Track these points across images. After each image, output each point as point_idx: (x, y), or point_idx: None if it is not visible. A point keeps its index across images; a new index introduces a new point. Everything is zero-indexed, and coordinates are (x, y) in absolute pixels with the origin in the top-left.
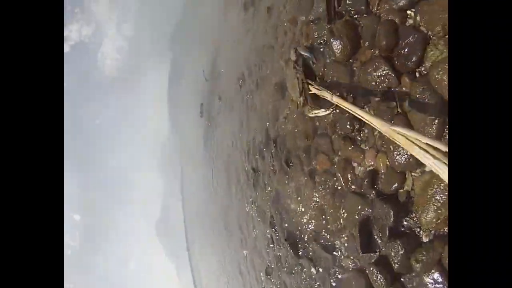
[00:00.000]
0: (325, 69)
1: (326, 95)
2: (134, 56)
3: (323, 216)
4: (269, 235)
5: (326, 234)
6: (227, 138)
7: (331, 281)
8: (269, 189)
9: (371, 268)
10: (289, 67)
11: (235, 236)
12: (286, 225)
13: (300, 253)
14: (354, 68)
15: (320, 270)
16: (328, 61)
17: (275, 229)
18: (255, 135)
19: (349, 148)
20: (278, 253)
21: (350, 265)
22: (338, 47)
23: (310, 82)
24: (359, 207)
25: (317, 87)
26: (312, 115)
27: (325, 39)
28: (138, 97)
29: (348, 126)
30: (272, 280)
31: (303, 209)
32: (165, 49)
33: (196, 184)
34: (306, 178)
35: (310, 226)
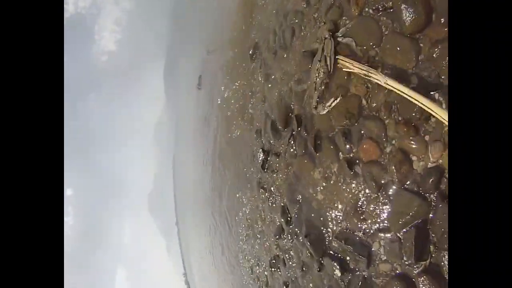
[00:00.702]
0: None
1: (376, 76)
2: (133, 32)
3: (360, 213)
4: (279, 225)
5: (361, 234)
6: (233, 113)
7: (360, 285)
8: (284, 174)
9: (423, 277)
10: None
11: (227, 224)
12: (305, 217)
13: (321, 251)
14: (421, 45)
15: (346, 273)
16: (386, 32)
17: (289, 220)
18: (270, 111)
19: (410, 138)
20: (289, 247)
21: (389, 271)
22: (410, 16)
23: (346, 59)
24: (416, 209)
25: (360, 66)
26: (326, 111)
27: (389, 4)
28: (136, 71)
29: (413, 112)
30: (279, 273)
31: (332, 202)
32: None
33: (190, 160)
34: (341, 167)
35: (340, 222)
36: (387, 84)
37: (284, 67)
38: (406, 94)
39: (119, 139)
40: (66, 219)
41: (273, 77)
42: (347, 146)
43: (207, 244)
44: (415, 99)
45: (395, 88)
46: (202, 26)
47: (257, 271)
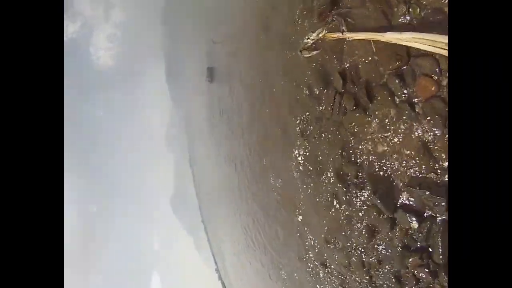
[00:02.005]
0: None
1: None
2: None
3: (430, 153)
4: (334, 194)
5: (434, 175)
6: (260, 95)
7: (440, 231)
8: (333, 136)
9: None
10: None
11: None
12: (368, 175)
13: (392, 206)
14: None
15: (423, 223)
16: None
17: (348, 184)
18: (304, 78)
19: None
20: (350, 213)
21: None
22: None
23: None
24: None
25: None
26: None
27: None
28: (138, 78)
29: None
30: (337, 246)
31: (396, 150)
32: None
33: (211, 156)
34: (400, 111)
35: (409, 169)
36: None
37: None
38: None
39: (129, 147)
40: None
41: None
42: (403, 88)
43: (239, 236)
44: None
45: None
46: (202, 17)
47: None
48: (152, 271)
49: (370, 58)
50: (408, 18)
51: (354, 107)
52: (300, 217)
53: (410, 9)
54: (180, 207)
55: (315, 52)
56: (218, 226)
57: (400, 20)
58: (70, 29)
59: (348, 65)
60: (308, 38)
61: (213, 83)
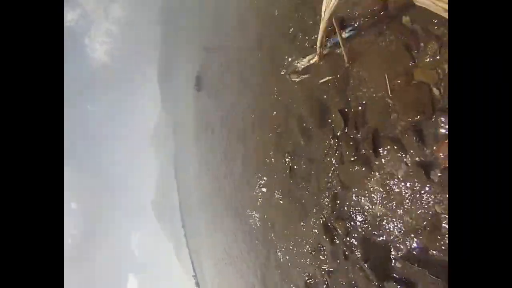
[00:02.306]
0: None
1: None
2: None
3: (438, 229)
4: (321, 246)
5: (438, 253)
6: (238, 113)
7: None
8: (325, 182)
9: None
10: None
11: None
12: (361, 236)
13: (383, 275)
14: None
15: None
16: None
17: (334, 239)
18: (297, 108)
19: None
20: (334, 269)
21: None
22: None
23: None
24: None
25: None
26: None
27: None
28: (131, 77)
29: None
30: None
31: (397, 216)
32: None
33: (195, 164)
34: (409, 172)
35: (410, 241)
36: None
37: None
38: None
39: (116, 146)
40: (73, 232)
41: (290, 60)
42: (419, 147)
43: (220, 247)
44: None
45: None
46: (196, 25)
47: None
48: (129, 274)
49: (382, 100)
50: None
51: (354, 158)
52: (279, 253)
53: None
54: (162, 212)
55: (305, 76)
56: (198, 233)
57: None
58: (69, 17)
59: (353, 103)
60: (298, 63)
61: (201, 93)
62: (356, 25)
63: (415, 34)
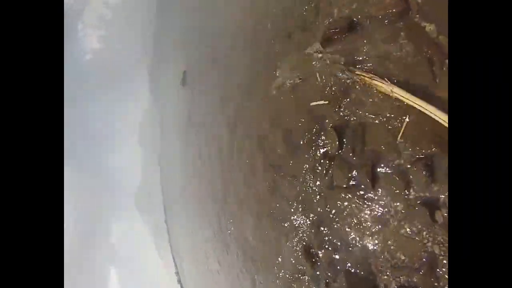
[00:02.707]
0: None
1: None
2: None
3: (434, 271)
4: (300, 273)
5: None
6: (224, 118)
7: None
8: (309, 207)
9: None
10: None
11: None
12: (344, 268)
13: None
14: None
15: None
16: None
17: (316, 268)
18: (284, 117)
19: None
20: None
21: None
22: None
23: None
24: None
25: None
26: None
27: None
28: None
29: None
30: None
31: (389, 253)
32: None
33: (178, 161)
34: (410, 212)
35: (402, 281)
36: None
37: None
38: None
39: (104, 138)
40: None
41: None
42: (427, 184)
43: (201, 245)
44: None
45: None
46: (189, 17)
47: None
48: (108, 264)
49: (389, 121)
50: None
51: (347, 184)
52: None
53: None
54: (145, 205)
55: (289, 93)
56: (179, 229)
57: None
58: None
59: (352, 120)
60: (284, 80)
61: (186, 88)
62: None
63: (440, 48)
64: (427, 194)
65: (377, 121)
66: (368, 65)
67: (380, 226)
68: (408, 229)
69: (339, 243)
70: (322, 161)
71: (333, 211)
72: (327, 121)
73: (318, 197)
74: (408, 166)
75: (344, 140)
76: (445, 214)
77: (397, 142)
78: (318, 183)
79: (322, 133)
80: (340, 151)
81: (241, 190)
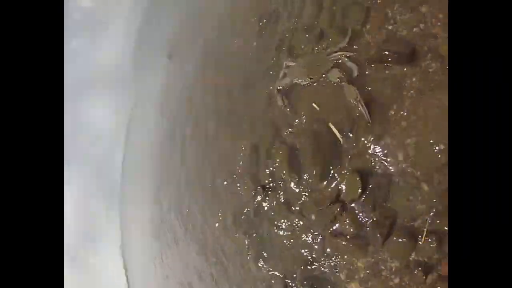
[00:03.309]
0: None
1: None
2: None
3: None
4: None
5: None
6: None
7: None
8: (305, 242)
9: None
10: None
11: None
12: None
13: None
14: None
15: None
16: None
17: None
18: (291, 135)
19: None
20: None
21: None
22: None
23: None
24: None
25: None
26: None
27: None
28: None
29: None
30: None
31: None
32: None
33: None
34: (408, 269)
35: None
36: None
37: None
38: None
39: (76, 90)
40: None
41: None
42: (433, 250)
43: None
44: None
45: None
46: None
47: None
48: (108, 264)
49: (416, 181)
50: None
51: (354, 235)
52: None
53: None
54: (100, 172)
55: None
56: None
57: None
58: None
59: (379, 170)
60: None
61: (174, 63)
62: None
63: None
64: (426, 260)
65: (404, 178)
66: None
67: (372, 277)
68: (398, 284)
69: (321, 279)
70: (333, 205)
71: (328, 254)
72: (348, 160)
73: (316, 236)
74: (420, 231)
75: (367, 191)
76: (435, 279)
77: (424, 183)
78: (323, 224)
79: (341, 169)
80: (360, 200)
81: (227, 213)
